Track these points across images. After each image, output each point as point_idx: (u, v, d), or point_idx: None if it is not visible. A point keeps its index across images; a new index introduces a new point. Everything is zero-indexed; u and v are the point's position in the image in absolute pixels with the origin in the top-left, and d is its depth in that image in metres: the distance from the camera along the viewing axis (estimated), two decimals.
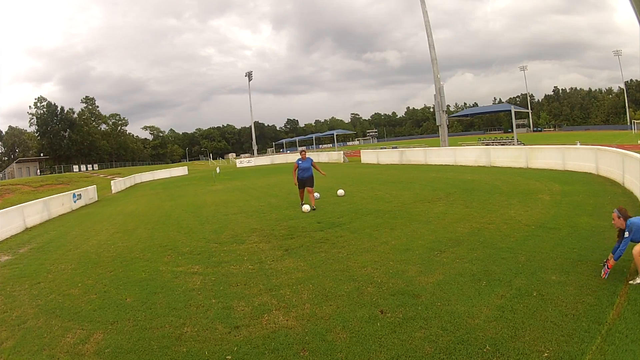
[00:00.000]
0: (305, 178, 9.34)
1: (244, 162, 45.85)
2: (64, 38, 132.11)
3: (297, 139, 71.33)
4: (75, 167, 60.10)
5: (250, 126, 63.84)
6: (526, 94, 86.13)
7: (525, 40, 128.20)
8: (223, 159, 79.16)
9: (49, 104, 70.96)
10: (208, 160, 74.08)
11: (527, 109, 69.66)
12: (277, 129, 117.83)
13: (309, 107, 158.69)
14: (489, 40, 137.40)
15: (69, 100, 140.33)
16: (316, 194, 10.47)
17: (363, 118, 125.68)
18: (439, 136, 24.90)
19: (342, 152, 35.09)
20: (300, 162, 9.35)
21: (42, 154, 65.19)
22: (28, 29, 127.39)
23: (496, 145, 26.63)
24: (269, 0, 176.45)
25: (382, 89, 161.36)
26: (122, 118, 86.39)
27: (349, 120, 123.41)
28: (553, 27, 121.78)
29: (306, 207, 9.12)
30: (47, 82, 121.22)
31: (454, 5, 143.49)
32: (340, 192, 11.10)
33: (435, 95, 23.84)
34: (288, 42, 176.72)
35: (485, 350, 2.80)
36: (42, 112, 70.50)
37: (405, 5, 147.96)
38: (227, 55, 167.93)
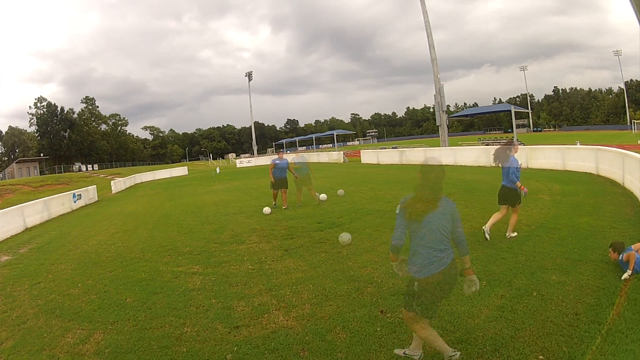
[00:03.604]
0: (282, 178, 9.62)
1: (244, 162, 45.85)
2: (66, 39, 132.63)
3: (297, 139, 71.30)
4: (75, 167, 60.08)
5: (250, 126, 63.81)
6: (526, 94, 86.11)
7: (525, 40, 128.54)
8: (223, 159, 79.13)
9: (49, 104, 70.97)
10: (208, 160, 74.04)
11: (527, 109, 69.58)
12: (277, 129, 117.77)
13: (309, 108, 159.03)
14: (489, 40, 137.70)
15: (71, 101, 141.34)
16: (323, 195, 10.25)
17: (363, 118, 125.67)
18: (439, 136, 24.87)
19: (342, 152, 35.07)
20: (277, 161, 9.65)
21: (42, 154, 65.19)
22: (30, 31, 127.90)
23: (496, 145, 26.57)
24: (267, 2, 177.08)
25: (381, 89, 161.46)
26: (122, 118, 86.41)
27: (349, 121, 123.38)
28: (553, 28, 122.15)
29: (267, 210, 9.25)
30: (50, 83, 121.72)
31: (453, 6, 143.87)
32: (340, 192, 11.09)
33: (435, 95, 23.81)
34: (286, 44, 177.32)
35: (485, 349, 2.79)
36: (42, 112, 70.50)
37: (405, 6, 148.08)
38: (226, 57, 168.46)
